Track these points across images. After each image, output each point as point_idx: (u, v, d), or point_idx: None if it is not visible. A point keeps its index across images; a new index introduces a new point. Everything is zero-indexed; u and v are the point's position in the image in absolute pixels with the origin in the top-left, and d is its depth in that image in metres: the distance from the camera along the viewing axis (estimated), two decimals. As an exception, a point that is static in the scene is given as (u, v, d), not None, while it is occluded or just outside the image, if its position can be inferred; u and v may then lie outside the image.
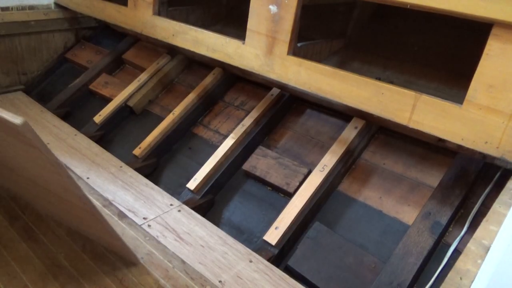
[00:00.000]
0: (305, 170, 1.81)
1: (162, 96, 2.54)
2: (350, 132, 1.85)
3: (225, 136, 2.10)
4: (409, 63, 2.25)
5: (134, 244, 1.42)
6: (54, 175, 0.98)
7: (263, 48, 1.78)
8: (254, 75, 1.91)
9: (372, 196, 1.71)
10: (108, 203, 1.63)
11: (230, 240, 1.52)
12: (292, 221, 1.63)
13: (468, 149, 1.37)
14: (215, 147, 2.04)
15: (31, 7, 2.67)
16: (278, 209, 1.73)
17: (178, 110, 2.25)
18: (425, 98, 1.40)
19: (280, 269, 1.41)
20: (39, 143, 0.85)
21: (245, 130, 2.05)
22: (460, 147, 1.41)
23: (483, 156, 1.43)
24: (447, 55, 2.20)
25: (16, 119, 0.80)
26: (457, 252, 1.43)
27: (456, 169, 1.61)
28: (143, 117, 2.46)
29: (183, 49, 2.14)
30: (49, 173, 0.99)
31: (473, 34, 1.64)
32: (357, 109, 1.57)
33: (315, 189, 1.70)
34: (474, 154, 1.47)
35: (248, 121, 2.08)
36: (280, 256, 1.60)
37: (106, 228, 1.16)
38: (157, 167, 2.16)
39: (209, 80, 2.37)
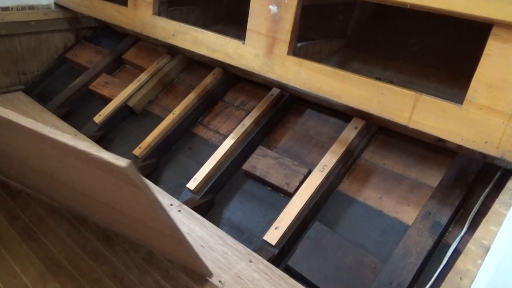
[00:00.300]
0: (305, 170, 1.81)
1: (162, 96, 2.53)
2: (350, 132, 1.85)
3: (225, 136, 2.10)
4: (409, 63, 2.25)
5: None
6: (151, 211, 0.96)
7: (263, 48, 1.78)
8: (254, 75, 1.91)
9: (372, 196, 1.71)
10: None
11: (230, 240, 1.52)
12: (292, 221, 1.63)
13: (468, 149, 1.37)
14: (215, 147, 2.04)
15: (31, 7, 2.67)
16: (278, 209, 1.73)
17: (178, 110, 2.25)
18: (425, 98, 1.40)
19: (280, 269, 1.41)
20: (142, 184, 0.83)
21: (245, 130, 2.05)
22: (460, 147, 1.41)
23: (483, 156, 1.42)
24: (447, 55, 2.20)
25: (121, 162, 0.75)
26: (457, 252, 1.43)
27: (456, 169, 1.60)
28: (143, 117, 2.46)
29: (183, 49, 2.14)
30: (147, 209, 0.97)
31: (473, 34, 1.64)
32: (357, 109, 1.57)
33: (315, 189, 1.70)
34: (474, 154, 1.47)
35: (248, 121, 2.08)
36: (280, 256, 1.60)
37: (191, 254, 1.17)
38: (157, 167, 2.16)
39: (209, 80, 2.37)
